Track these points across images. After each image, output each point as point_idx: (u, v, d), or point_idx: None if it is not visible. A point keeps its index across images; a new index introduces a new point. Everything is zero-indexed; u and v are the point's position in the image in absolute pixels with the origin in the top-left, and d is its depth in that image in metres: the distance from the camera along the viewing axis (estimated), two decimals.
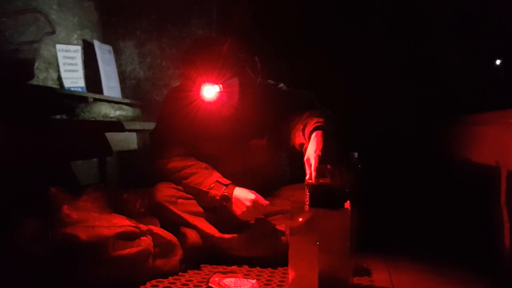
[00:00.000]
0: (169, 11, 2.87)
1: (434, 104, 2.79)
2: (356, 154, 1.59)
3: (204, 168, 1.80)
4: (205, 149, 1.85)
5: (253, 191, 1.73)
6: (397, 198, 2.43)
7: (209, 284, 1.47)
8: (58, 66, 2.40)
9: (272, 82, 1.90)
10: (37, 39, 2.16)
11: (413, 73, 2.85)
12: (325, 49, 2.77)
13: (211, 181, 1.75)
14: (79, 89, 2.48)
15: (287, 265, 1.43)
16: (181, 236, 1.69)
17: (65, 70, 2.43)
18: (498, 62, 3.11)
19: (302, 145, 1.58)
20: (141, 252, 1.49)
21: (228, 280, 1.47)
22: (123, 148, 2.31)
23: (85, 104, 2.33)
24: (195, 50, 1.76)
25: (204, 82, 1.71)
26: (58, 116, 2.15)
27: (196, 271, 1.64)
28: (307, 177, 1.42)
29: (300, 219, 1.39)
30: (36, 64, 2.21)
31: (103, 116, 2.40)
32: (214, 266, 1.70)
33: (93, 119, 2.32)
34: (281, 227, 1.74)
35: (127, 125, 2.31)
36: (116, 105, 2.54)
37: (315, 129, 1.51)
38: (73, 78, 2.47)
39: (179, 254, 1.63)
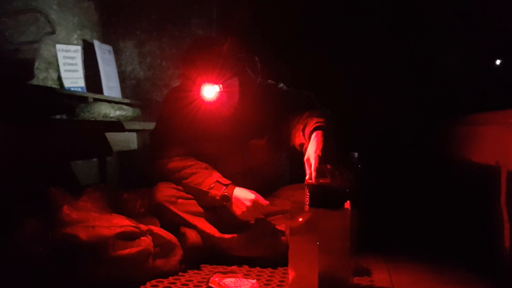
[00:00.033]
0: (169, 11, 2.87)
1: (434, 104, 2.79)
2: (356, 154, 1.59)
3: (204, 168, 1.80)
4: (205, 149, 1.85)
5: (253, 191, 1.73)
6: (397, 198, 2.43)
7: (209, 284, 1.47)
8: (58, 66, 2.40)
9: (272, 82, 1.90)
10: (37, 39, 2.16)
11: (413, 73, 2.85)
12: (325, 49, 2.77)
13: (211, 181, 1.75)
14: (79, 89, 2.48)
15: (287, 265, 1.43)
16: (181, 236, 1.69)
17: (65, 70, 2.43)
18: (498, 62, 3.11)
19: (302, 145, 1.58)
20: (141, 252, 1.49)
21: (228, 280, 1.47)
22: (123, 148, 2.31)
23: (85, 104, 2.32)
24: (195, 50, 1.76)
25: (204, 82, 1.71)
26: (58, 116, 2.15)
27: (196, 271, 1.64)
28: (307, 177, 1.42)
29: (300, 219, 1.39)
30: (36, 64, 2.21)
31: (103, 116, 2.40)
32: (214, 266, 1.70)
33: (93, 119, 2.32)
34: (281, 227, 1.74)
35: (127, 125, 2.31)
36: (116, 105, 2.54)
37: (315, 129, 1.51)
38: (73, 78, 2.47)
39: (179, 254, 1.63)
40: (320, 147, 1.44)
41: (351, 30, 2.87)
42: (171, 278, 1.56)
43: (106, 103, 2.48)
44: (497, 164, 1.60)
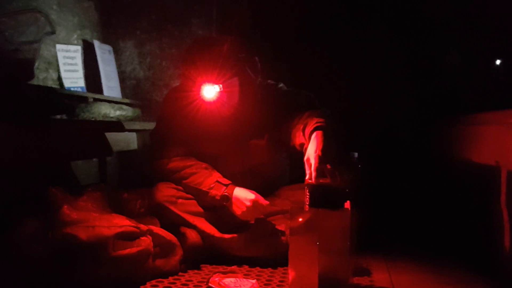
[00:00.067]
0: (169, 11, 2.87)
1: (434, 104, 2.79)
2: (356, 154, 1.59)
3: (204, 168, 1.80)
4: (205, 149, 1.85)
5: (253, 191, 1.73)
6: (397, 198, 2.43)
7: (209, 284, 1.47)
8: (58, 66, 2.40)
9: (272, 82, 1.90)
10: (37, 39, 2.16)
11: (413, 73, 2.84)
12: (325, 49, 2.77)
13: (211, 181, 1.75)
14: (79, 89, 2.48)
15: (287, 265, 1.43)
16: (181, 236, 1.69)
17: (65, 70, 2.43)
18: (498, 62, 3.11)
19: (302, 145, 1.58)
20: (141, 252, 1.49)
21: (228, 280, 1.47)
22: (123, 148, 2.31)
23: (85, 104, 2.32)
24: (195, 50, 1.76)
25: (204, 82, 1.71)
26: (58, 116, 2.15)
27: (196, 271, 1.64)
28: (307, 177, 1.42)
29: (300, 219, 1.39)
30: (36, 64, 2.21)
31: (103, 116, 2.40)
32: (214, 266, 1.70)
33: (93, 119, 2.32)
34: (281, 227, 1.74)
35: (127, 125, 2.31)
36: (116, 105, 2.54)
37: (315, 129, 1.51)
38: (73, 78, 2.47)
39: (179, 254, 1.63)
40: (320, 147, 1.44)
41: (351, 30, 2.86)
42: (171, 278, 1.56)
43: (106, 103, 2.48)
44: (497, 164, 1.60)
